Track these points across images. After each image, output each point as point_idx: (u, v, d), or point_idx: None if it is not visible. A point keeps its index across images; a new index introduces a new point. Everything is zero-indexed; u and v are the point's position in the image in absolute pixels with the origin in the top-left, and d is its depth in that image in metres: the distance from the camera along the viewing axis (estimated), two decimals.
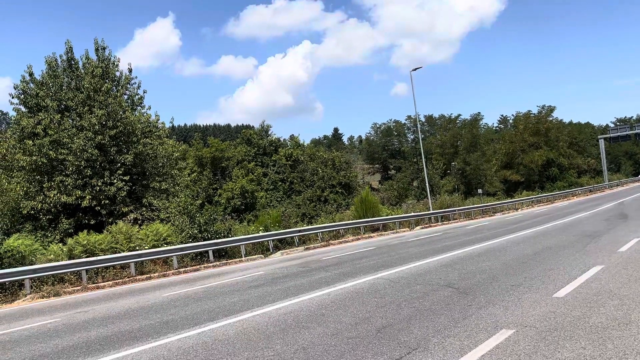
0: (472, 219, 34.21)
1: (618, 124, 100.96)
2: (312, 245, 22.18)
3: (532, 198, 48.64)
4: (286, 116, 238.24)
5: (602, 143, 74.91)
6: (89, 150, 23.38)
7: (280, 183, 55.38)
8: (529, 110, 79.48)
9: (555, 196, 52.70)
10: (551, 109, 77.97)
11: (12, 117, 26.79)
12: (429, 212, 33.05)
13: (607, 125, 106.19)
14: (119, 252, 17.31)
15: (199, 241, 19.10)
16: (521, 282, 9.30)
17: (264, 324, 7.70)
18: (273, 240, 21.40)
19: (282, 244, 22.32)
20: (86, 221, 23.58)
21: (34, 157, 23.33)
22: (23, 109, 25.45)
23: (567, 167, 71.93)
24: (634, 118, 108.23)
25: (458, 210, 35.23)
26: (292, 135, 72.24)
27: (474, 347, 5.63)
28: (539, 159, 67.61)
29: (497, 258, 12.96)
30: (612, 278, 9.02)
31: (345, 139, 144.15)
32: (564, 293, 8.06)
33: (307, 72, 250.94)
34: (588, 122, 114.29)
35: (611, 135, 76.17)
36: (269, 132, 64.29)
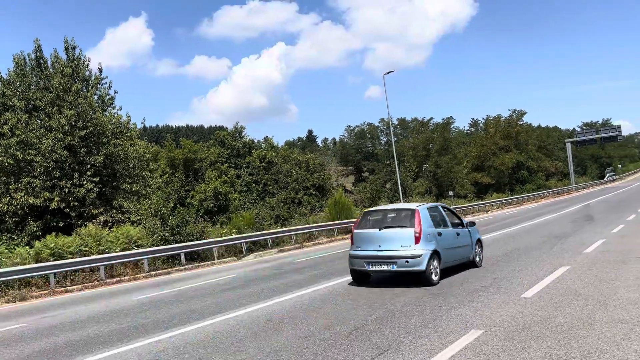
0: None
1: (584, 128, 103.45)
2: (285, 248, 22.15)
3: (501, 200, 49.48)
4: (260, 117, 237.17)
5: (569, 146, 76.77)
6: (58, 151, 22.94)
7: (253, 185, 55.13)
8: (499, 114, 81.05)
9: (524, 198, 53.70)
10: (522, 114, 79.60)
11: None
12: None
13: (574, 129, 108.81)
14: (89, 255, 17.00)
15: (170, 244, 18.89)
16: (490, 283, 9.48)
17: (236, 327, 7.67)
18: (246, 242, 21.30)
19: (256, 246, 22.23)
20: (54, 223, 23.12)
21: (0, 158, 22.78)
22: None
23: (535, 170, 73.44)
24: (600, 122, 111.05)
25: None
26: (266, 136, 72.08)
27: (444, 347, 5.71)
28: (509, 161, 68.89)
29: None
30: (577, 279, 9.26)
31: (319, 140, 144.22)
32: (532, 293, 8.25)
33: (282, 73, 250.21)
34: (556, 126, 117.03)
35: (578, 139, 78.16)
36: (243, 134, 64.01)
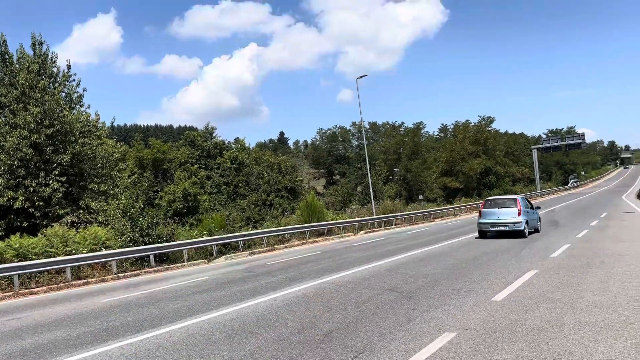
0: (414, 224, 35.00)
1: (550, 135, 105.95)
2: (257, 250, 22.04)
3: (470, 205, 50.27)
4: (231, 119, 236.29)
5: (535, 153, 78.49)
6: (23, 150, 22.33)
7: (224, 186, 54.69)
8: (468, 120, 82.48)
9: None
10: (491, 120, 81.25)
11: None
12: (373, 217, 33.57)
13: (539, 136, 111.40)
14: (55, 257, 16.58)
15: (140, 245, 18.58)
16: (461, 287, 9.62)
17: (209, 329, 7.60)
18: (217, 244, 21.10)
19: (227, 248, 22.05)
20: (18, 223, 22.47)
21: None
22: None
23: (503, 175, 74.88)
24: (564, 130, 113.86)
25: (400, 215, 35.95)
26: (237, 138, 71.44)
27: (419, 350, 5.78)
28: (478, 167, 70.11)
29: (438, 263, 13.35)
30: (545, 282, 9.48)
31: (290, 143, 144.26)
32: (502, 297, 8.41)
33: (254, 74, 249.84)
34: (522, 133, 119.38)
35: (543, 145, 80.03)
36: (214, 134, 63.46)
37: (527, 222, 18.98)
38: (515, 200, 19.61)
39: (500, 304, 7.89)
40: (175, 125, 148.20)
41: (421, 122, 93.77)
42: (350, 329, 6.93)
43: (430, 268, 12.44)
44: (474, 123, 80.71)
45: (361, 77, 38.53)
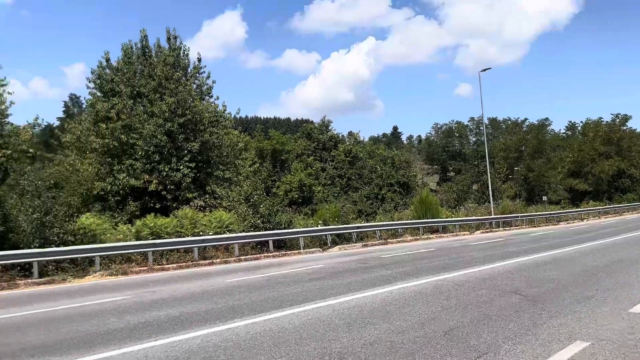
0: (535, 227, 33.13)
1: None
2: (369, 243, 22.12)
3: (599, 209, 46.66)
4: (345, 112, 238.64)
5: None
6: (158, 137, 24.20)
7: (337, 179, 55.39)
8: (600, 118, 76.15)
9: (624, 208, 50.32)
10: (626, 118, 74.31)
11: (87, 100, 28.09)
12: (491, 217, 32.25)
13: None
14: (184, 237, 17.86)
15: (260, 231, 19.43)
16: (593, 294, 8.93)
17: (328, 316, 7.75)
18: (331, 234, 21.49)
19: (340, 239, 22.38)
20: (151, 204, 24.42)
21: (106, 140, 24.42)
22: (98, 93, 26.66)
23: (639, 178, 68.27)
24: None
25: (521, 216, 34.22)
26: (351, 131, 71.89)
27: (548, 356, 5.46)
28: (610, 169, 64.49)
29: (565, 268, 12.50)
30: None
31: (404, 137, 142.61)
32: None
33: (370, 69, 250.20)
34: None
35: None
36: (329, 128, 64.43)
37: None
38: None
39: (639, 317, 7.21)
40: (292, 118, 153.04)
41: (546, 119, 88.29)
42: (472, 329, 6.72)
43: (556, 273, 11.69)
44: (607, 121, 74.34)
45: (484, 70, 36.94)
